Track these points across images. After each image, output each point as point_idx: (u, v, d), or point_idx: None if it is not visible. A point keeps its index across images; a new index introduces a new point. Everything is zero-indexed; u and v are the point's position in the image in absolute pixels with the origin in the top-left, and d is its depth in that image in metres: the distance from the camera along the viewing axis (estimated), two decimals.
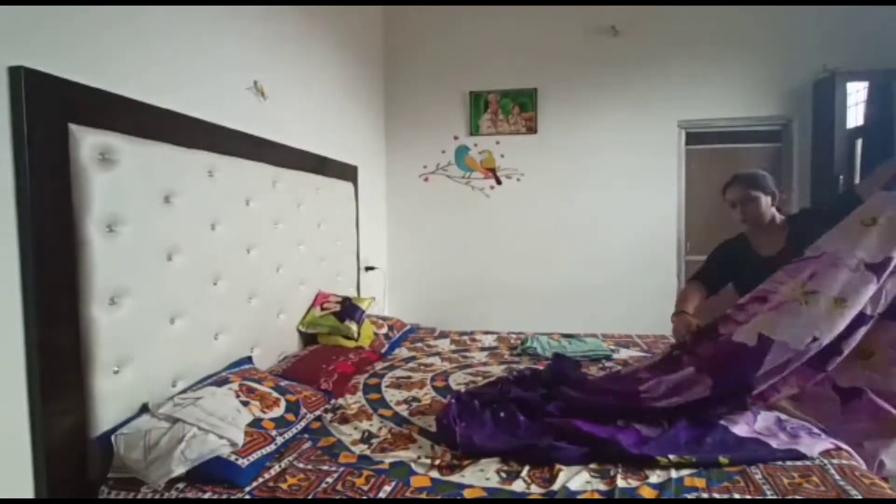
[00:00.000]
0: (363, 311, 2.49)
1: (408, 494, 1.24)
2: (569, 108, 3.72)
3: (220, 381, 1.56)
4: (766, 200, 1.97)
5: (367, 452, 1.45)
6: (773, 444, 1.36)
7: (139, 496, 1.23)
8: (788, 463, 1.32)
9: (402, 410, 1.76)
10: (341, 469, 1.35)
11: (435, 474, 1.32)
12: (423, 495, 1.23)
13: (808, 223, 1.86)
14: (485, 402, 1.64)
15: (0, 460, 1.14)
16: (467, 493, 1.23)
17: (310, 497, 1.22)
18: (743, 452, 1.33)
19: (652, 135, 3.64)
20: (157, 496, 1.22)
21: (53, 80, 1.22)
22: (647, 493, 1.22)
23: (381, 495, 1.23)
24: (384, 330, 2.67)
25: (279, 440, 1.44)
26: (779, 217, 2.00)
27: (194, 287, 1.66)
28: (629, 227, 3.68)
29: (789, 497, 1.17)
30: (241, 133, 1.99)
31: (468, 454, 1.38)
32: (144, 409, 1.39)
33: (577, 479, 1.27)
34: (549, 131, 3.74)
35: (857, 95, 3.23)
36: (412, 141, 3.91)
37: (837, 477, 1.25)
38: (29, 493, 1.20)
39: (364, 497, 1.22)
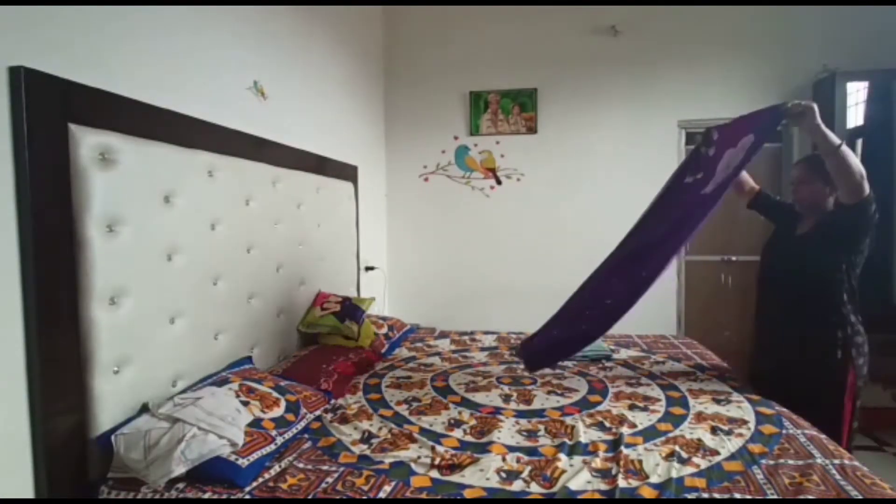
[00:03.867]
0: (363, 311, 2.49)
1: (408, 494, 1.24)
2: (569, 108, 3.72)
3: (220, 381, 1.56)
4: (822, 189, 1.86)
5: (367, 452, 1.44)
6: None
7: (139, 496, 1.23)
8: (790, 462, 1.33)
9: (403, 410, 1.76)
10: (341, 469, 1.35)
11: (435, 474, 1.32)
12: (423, 495, 1.23)
13: (847, 217, 1.75)
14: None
15: (0, 460, 1.14)
16: (467, 493, 1.23)
17: (310, 497, 1.22)
18: None
19: (652, 135, 3.64)
20: (157, 496, 1.22)
21: (53, 80, 1.22)
22: (648, 493, 1.22)
23: (381, 495, 1.23)
24: (384, 330, 2.66)
25: (279, 440, 1.44)
26: (831, 205, 1.87)
27: (194, 287, 1.66)
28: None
29: (789, 497, 1.17)
30: (241, 133, 1.99)
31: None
32: (144, 409, 1.39)
33: (577, 478, 1.27)
34: (549, 131, 3.74)
35: (857, 95, 3.23)
36: (412, 141, 3.91)
37: (838, 477, 1.25)
38: (29, 493, 1.20)
39: (364, 497, 1.22)
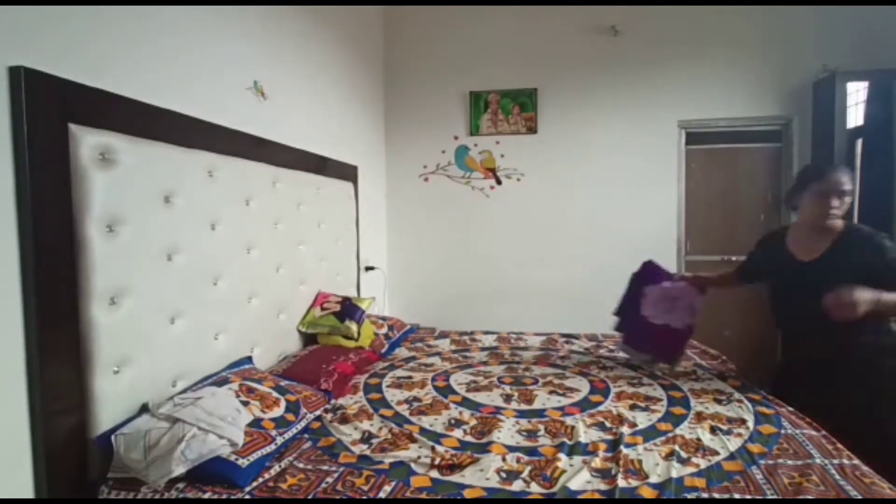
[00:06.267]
0: (363, 311, 2.49)
1: (408, 494, 1.24)
2: (569, 108, 3.72)
3: (220, 381, 1.56)
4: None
5: (367, 452, 1.44)
6: None
7: (139, 496, 1.23)
8: (789, 462, 1.33)
9: (404, 410, 1.76)
10: (341, 469, 1.35)
11: (435, 474, 1.32)
12: (423, 495, 1.23)
13: (859, 243, 1.70)
14: None
15: (0, 460, 1.14)
16: (467, 493, 1.23)
17: (310, 497, 1.22)
18: None
19: (652, 135, 3.64)
20: (157, 496, 1.22)
21: (53, 80, 1.22)
22: (647, 493, 1.22)
23: (381, 495, 1.23)
24: (384, 330, 2.67)
25: (279, 440, 1.44)
26: (840, 222, 1.78)
27: (194, 287, 1.66)
28: (629, 227, 3.68)
29: (789, 497, 1.17)
30: (241, 133, 1.99)
31: None
32: (144, 409, 1.39)
33: (577, 478, 1.27)
34: (549, 131, 3.74)
35: (857, 95, 3.23)
36: (412, 141, 3.91)
37: (837, 477, 1.25)
38: (29, 493, 1.20)
39: (364, 497, 1.22)
